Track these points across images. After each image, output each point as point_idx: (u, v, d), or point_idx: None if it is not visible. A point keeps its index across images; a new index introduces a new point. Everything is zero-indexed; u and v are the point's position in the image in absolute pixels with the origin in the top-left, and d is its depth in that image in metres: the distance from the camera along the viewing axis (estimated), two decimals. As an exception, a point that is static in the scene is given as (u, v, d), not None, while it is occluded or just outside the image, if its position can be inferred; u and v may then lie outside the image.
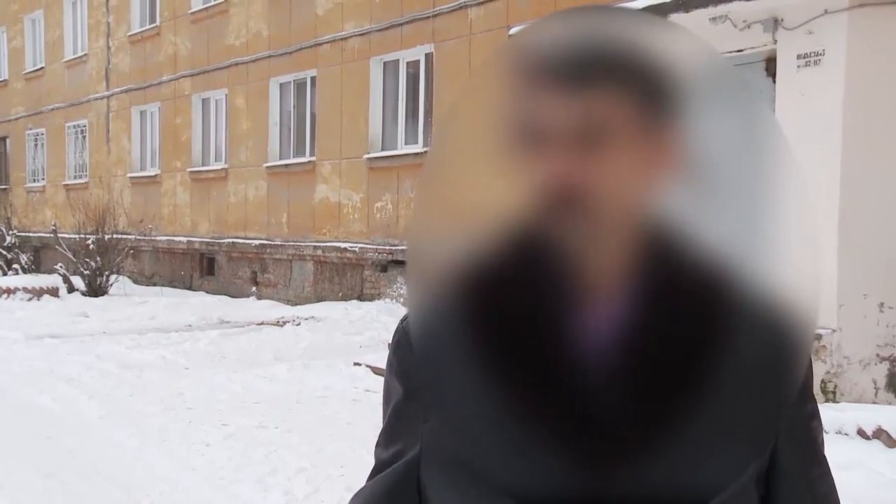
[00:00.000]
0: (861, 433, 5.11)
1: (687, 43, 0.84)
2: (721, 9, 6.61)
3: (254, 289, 15.04)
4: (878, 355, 6.36)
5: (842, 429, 5.16)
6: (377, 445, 1.09)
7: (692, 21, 6.52)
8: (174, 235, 17.19)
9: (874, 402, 6.21)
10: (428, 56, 12.13)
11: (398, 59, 12.66)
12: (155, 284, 17.40)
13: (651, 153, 0.84)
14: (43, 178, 22.82)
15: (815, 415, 1.04)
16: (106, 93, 19.74)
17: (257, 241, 15.00)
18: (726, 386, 0.82)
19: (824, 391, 6.20)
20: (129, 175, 18.86)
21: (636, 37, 0.83)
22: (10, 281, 15.47)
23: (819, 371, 6.14)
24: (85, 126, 20.78)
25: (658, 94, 0.83)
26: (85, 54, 20.58)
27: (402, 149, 12.49)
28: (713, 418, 0.83)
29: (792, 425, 1.00)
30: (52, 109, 21.97)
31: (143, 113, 18.77)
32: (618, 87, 0.82)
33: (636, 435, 0.83)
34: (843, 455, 4.54)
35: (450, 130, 0.90)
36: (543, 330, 0.84)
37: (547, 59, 0.83)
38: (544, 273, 0.85)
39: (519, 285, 0.85)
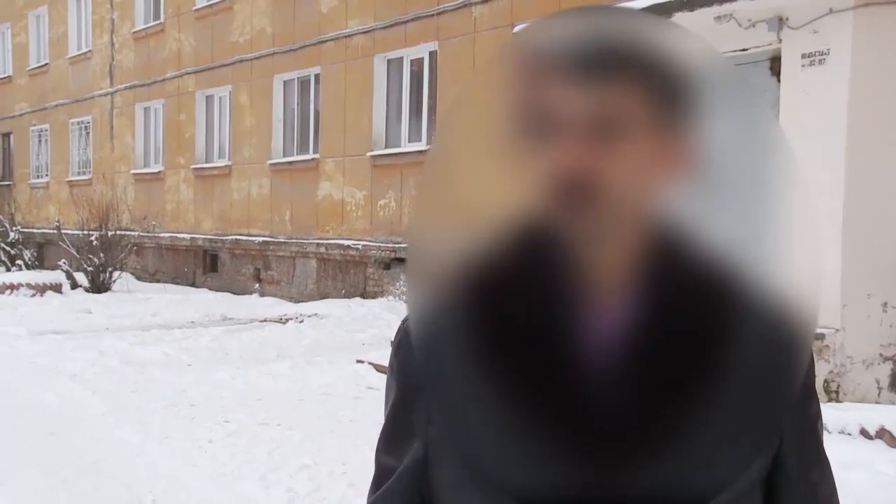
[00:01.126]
0: (864, 433, 5.10)
1: (692, 43, 0.84)
2: (726, 7, 6.59)
3: (257, 286, 15.05)
4: (881, 355, 6.35)
5: (845, 429, 5.15)
6: (377, 450, 1.08)
7: (696, 20, 6.50)
8: (177, 232, 17.20)
9: (877, 402, 6.20)
10: (432, 54, 12.12)
11: (402, 57, 12.66)
12: (158, 281, 17.41)
13: (663, 149, 0.83)
14: (46, 175, 22.85)
15: (819, 416, 1.04)
16: (110, 89, 19.75)
17: (260, 239, 15.01)
18: (729, 386, 0.82)
19: (827, 391, 6.19)
20: (133, 172, 18.88)
21: (646, 34, 0.83)
22: (14, 277, 15.51)
23: (822, 371, 6.13)
24: (89, 122, 20.80)
25: (671, 91, 0.83)
26: (89, 51, 20.60)
27: (406, 146, 12.49)
28: (716, 418, 0.82)
29: (797, 426, 1.00)
30: (56, 106, 21.98)
31: (146, 110, 18.78)
32: (633, 81, 0.82)
33: (639, 435, 0.82)
34: (845, 455, 4.53)
35: (452, 125, 0.89)
36: (546, 330, 0.83)
37: (562, 50, 0.83)
38: (548, 272, 0.84)
39: (522, 284, 0.84)
